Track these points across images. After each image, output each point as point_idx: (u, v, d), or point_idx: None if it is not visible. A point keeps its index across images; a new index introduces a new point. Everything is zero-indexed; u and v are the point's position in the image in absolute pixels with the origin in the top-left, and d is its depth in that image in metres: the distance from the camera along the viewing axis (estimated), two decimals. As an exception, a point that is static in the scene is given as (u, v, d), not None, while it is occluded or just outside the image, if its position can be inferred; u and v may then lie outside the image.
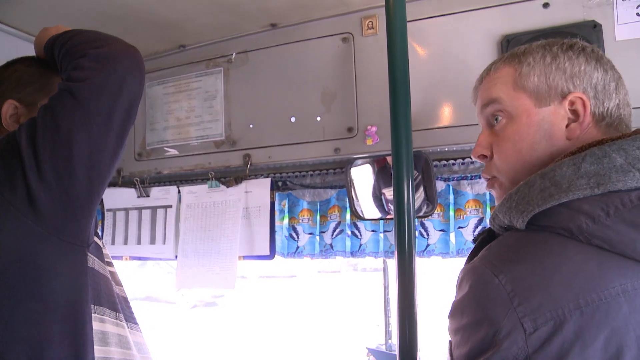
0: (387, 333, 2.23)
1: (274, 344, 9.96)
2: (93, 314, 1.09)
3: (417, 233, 1.66)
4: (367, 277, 17.41)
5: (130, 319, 1.26)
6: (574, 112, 0.87)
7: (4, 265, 0.96)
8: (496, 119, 0.94)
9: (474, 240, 1.00)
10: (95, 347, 1.07)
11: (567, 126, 0.88)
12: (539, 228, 0.79)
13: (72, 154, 1.01)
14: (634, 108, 1.30)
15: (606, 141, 0.79)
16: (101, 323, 1.13)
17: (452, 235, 1.65)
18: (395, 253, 1.13)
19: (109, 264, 1.26)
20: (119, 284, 1.28)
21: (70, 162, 1.01)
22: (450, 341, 0.86)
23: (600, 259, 0.70)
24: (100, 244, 1.22)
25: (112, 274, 1.25)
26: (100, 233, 1.28)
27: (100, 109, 1.04)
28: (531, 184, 0.81)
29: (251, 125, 1.84)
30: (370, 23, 1.66)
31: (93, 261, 1.12)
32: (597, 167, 0.75)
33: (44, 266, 1.01)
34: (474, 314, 0.76)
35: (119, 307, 1.22)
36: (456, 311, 0.81)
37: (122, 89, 1.07)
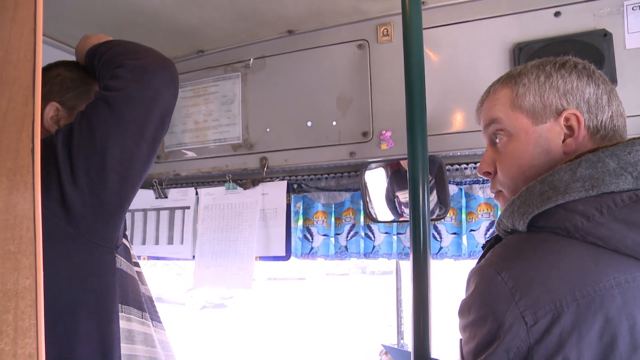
0: (400, 333, 2.26)
1: (283, 345, 9.99)
2: (120, 313, 1.12)
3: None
4: (376, 280, 17.42)
5: (155, 317, 1.29)
6: (569, 128, 0.92)
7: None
8: (497, 137, 1.00)
9: (483, 247, 1.05)
10: (121, 344, 1.11)
11: (563, 141, 0.93)
12: (538, 229, 0.85)
13: (106, 161, 1.04)
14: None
15: (600, 149, 0.84)
16: (128, 322, 1.16)
17: (464, 238, 1.68)
18: (411, 255, 1.17)
19: (136, 264, 1.29)
20: (144, 283, 1.31)
21: (103, 169, 1.04)
22: (460, 339, 0.92)
23: (595, 255, 0.76)
24: (128, 245, 1.25)
25: (139, 274, 1.29)
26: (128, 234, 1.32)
27: (134, 118, 1.07)
28: (531, 189, 0.87)
29: (268, 129, 1.89)
30: (385, 30, 1.71)
31: (121, 262, 1.16)
32: (591, 171, 0.80)
33: (75, 266, 1.04)
34: (480, 310, 0.82)
35: (145, 306, 1.25)
36: (464, 309, 0.87)
37: (156, 100, 1.10)
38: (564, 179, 0.82)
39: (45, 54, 1.41)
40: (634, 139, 0.83)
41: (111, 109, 1.06)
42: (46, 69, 1.27)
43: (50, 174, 1.02)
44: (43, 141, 1.06)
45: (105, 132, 1.05)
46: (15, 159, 0.58)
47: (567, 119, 0.92)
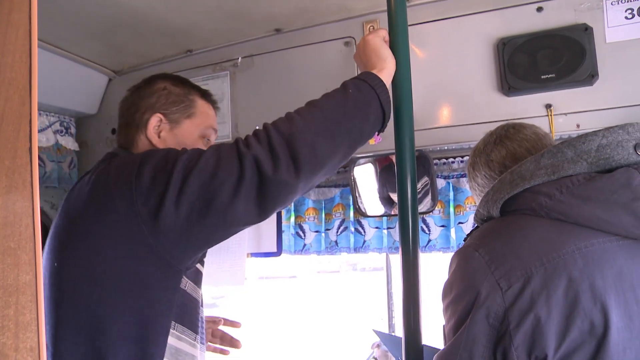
0: (391, 326, 2.29)
1: (276, 343, 10.01)
2: (172, 330, 1.10)
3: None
4: (367, 277, 17.48)
5: (203, 340, 1.27)
6: None
7: (109, 259, 1.01)
8: None
9: (464, 240, 1.12)
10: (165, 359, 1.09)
11: None
12: (510, 212, 0.98)
13: (213, 203, 1.00)
14: (627, 106, 1.40)
15: (560, 142, 0.96)
16: (178, 340, 1.13)
17: (452, 231, 1.71)
18: (400, 248, 1.19)
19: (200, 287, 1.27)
20: (202, 305, 1.30)
21: (209, 208, 1.00)
22: (444, 325, 1.00)
23: (559, 228, 0.88)
24: (202, 270, 1.23)
25: (201, 296, 1.27)
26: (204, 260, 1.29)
27: (256, 198, 1.02)
28: (503, 180, 0.99)
29: (257, 127, 1.90)
30: (372, 27, 1.73)
31: (187, 284, 1.14)
32: (553, 160, 0.93)
33: (141, 271, 1.04)
34: (460, 285, 0.93)
35: (199, 329, 1.23)
36: (446, 289, 0.98)
37: (288, 198, 1.06)
38: (530, 168, 0.95)
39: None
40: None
41: (242, 175, 1.00)
42: (152, 81, 1.30)
43: (157, 187, 1.00)
44: (166, 152, 1.05)
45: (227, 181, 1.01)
46: (13, 158, 0.59)
47: None
